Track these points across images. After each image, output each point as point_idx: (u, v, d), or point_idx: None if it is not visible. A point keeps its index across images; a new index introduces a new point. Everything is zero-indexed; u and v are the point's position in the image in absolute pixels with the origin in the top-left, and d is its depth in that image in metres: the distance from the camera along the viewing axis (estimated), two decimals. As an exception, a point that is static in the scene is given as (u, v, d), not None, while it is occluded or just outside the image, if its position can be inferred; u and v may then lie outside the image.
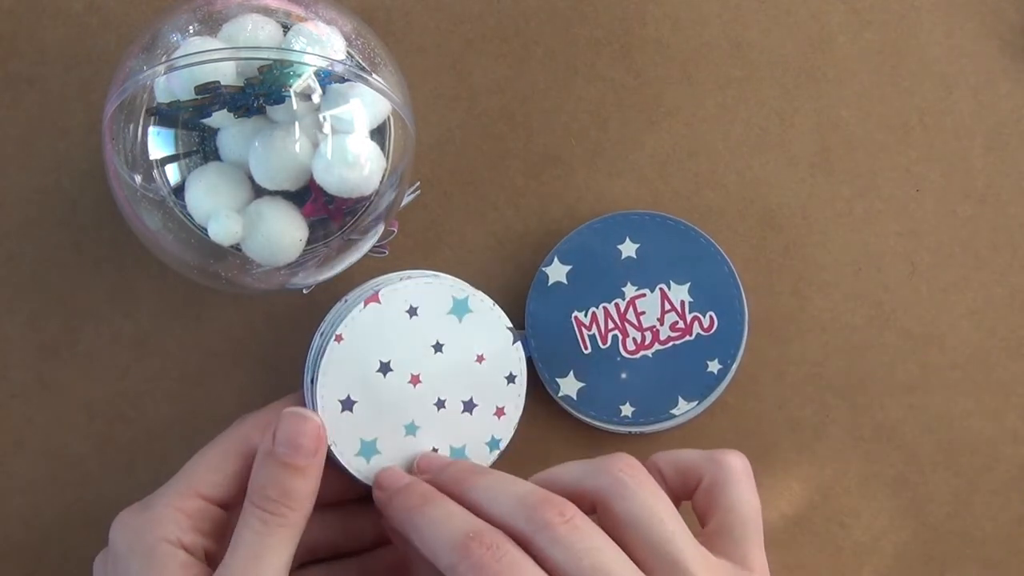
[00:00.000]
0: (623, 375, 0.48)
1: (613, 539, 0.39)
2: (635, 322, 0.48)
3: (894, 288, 0.50)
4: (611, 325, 0.48)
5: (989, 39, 0.50)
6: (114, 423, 0.49)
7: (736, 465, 0.42)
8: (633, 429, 0.48)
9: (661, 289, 0.48)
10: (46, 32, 0.48)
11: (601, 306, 0.48)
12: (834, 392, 0.50)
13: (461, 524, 0.39)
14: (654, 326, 0.48)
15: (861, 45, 0.50)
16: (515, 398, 0.47)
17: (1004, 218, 0.50)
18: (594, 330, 0.48)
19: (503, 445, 0.47)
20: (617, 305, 0.48)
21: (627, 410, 0.48)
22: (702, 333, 0.48)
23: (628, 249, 0.48)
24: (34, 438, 0.49)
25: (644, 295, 0.48)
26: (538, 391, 0.48)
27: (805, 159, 0.50)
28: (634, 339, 0.48)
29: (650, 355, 0.48)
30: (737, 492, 0.42)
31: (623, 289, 0.48)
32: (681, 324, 0.48)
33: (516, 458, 0.48)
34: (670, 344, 0.48)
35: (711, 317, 0.48)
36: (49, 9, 0.48)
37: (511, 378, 0.46)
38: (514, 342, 0.46)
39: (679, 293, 0.48)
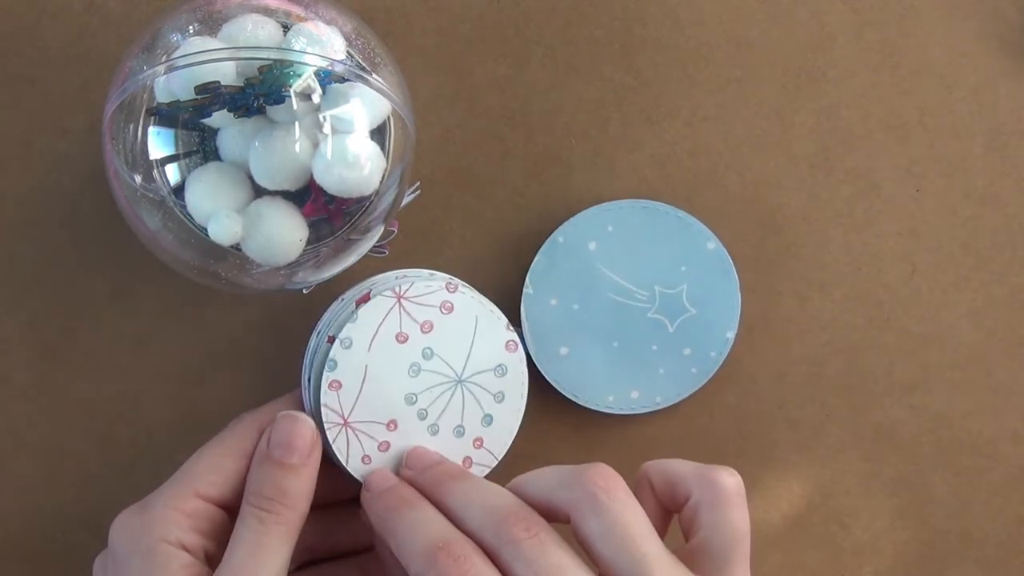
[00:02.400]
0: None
1: (587, 553, 0.38)
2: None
3: (894, 288, 0.50)
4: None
5: (989, 39, 0.50)
6: (114, 423, 0.49)
7: (728, 485, 0.40)
8: (624, 411, 0.49)
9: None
10: (46, 32, 0.48)
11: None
12: (834, 392, 0.50)
13: (433, 532, 0.39)
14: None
15: (861, 45, 0.50)
16: (515, 392, 0.47)
17: (1004, 218, 0.50)
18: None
19: (512, 437, 0.47)
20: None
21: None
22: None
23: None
24: (34, 438, 0.49)
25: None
26: (536, 383, 0.48)
27: (805, 159, 0.50)
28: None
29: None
30: (724, 514, 0.40)
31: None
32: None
33: (517, 450, 0.48)
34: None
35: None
36: (49, 9, 0.48)
37: (508, 373, 0.47)
38: (512, 340, 0.46)
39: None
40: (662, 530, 0.42)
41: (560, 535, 0.38)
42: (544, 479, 0.41)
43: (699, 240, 0.48)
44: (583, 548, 0.39)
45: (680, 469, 0.42)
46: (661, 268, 0.48)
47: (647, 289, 0.48)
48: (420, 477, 0.43)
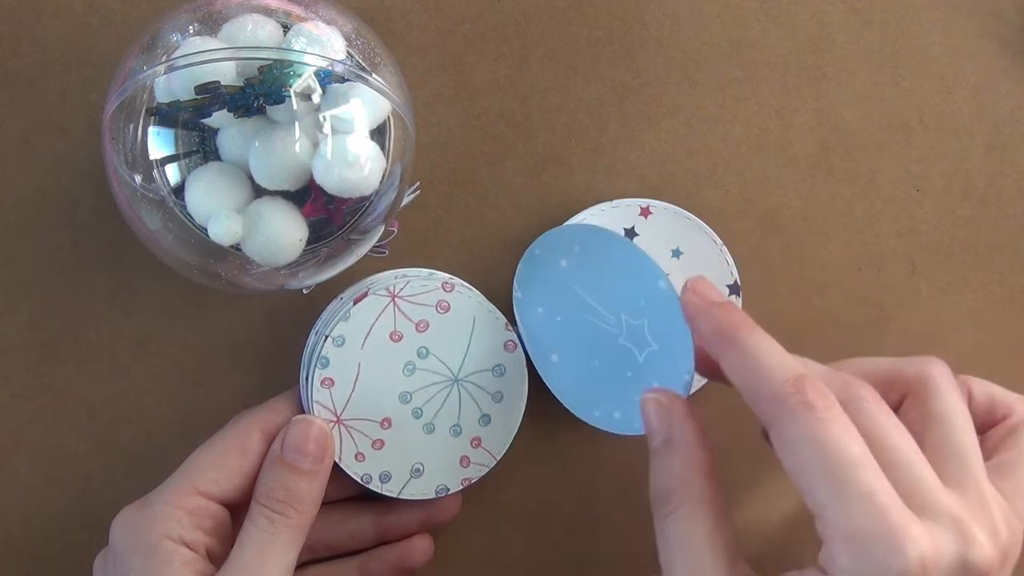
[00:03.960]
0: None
1: (914, 430, 0.40)
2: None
3: (894, 288, 0.50)
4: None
5: (989, 39, 0.50)
6: (114, 423, 0.49)
7: None
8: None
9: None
10: (46, 32, 0.48)
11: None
12: (834, 392, 0.50)
13: (794, 363, 0.39)
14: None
15: (861, 45, 0.50)
16: (514, 392, 0.47)
17: (1004, 218, 0.50)
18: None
19: (511, 437, 0.47)
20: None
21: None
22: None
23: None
24: (34, 438, 0.49)
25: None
26: (536, 383, 0.48)
27: (805, 159, 0.50)
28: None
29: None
30: None
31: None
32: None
33: (517, 450, 0.48)
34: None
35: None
36: (49, 9, 0.48)
37: (507, 373, 0.47)
38: (511, 341, 0.46)
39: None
40: None
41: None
42: (882, 361, 0.43)
43: (650, 278, 0.45)
44: (911, 426, 0.40)
45: (1002, 392, 0.45)
46: (625, 296, 0.46)
47: (615, 315, 0.46)
48: (719, 312, 0.41)
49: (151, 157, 0.42)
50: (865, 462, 0.37)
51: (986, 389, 0.44)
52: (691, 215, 0.48)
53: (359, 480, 0.46)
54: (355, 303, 0.45)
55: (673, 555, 0.39)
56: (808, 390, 0.38)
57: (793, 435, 0.37)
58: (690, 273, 0.48)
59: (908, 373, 0.42)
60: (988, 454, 0.42)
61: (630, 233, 0.48)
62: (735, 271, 0.48)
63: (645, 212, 0.48)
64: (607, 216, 0.48)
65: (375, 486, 0.46)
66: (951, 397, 0.41)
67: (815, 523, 0.37)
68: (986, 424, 0.44)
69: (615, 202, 0.48)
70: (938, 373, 0.42)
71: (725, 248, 0.48)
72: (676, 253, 0.48)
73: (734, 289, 0.48)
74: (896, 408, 0.41)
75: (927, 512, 0.37)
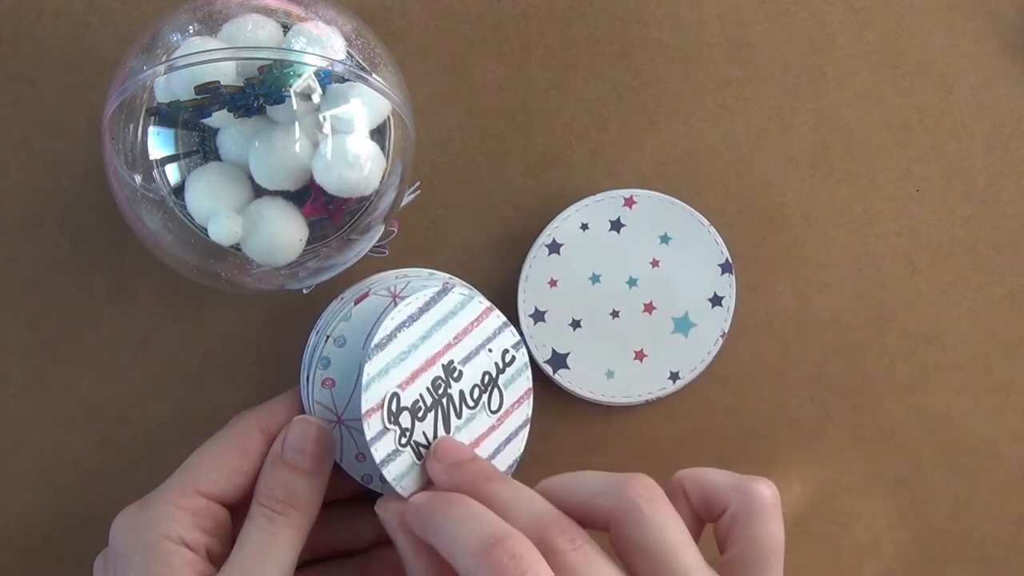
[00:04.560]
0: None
1: (625, 563, 0.38)
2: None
3: (894, 288, 0.50)
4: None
5: (989, 39, 0.50)
6: (114, 423, 0.49)
7: (765, 496, 0.40)
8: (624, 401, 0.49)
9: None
10: (46, 32, 0.48)
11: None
12: (834, 392, 0.50)
13: (486, 528, 0.38)
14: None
15: (861, 45, 0.50)
16: (518, 391, 0.47)
17: (1004, 218, 0.50)
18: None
19: (518, 438, 0.47)
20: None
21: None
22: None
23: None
24: (34, 438, 0.49)
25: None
26: (537, 383, 0.48)
27: (805, 159, 0.50)
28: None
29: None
30: (761, 525, 0.40)
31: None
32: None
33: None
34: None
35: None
36: (49, 9, 0.48)
37: (508, 373, 0.47)
38: (512, 338, 0.46)
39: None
40: (695, 539, 0.42)
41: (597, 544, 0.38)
42: (581, 486, 0.40)
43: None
44: (621, 558, 0.38)
45: (716, 479, 0.42)
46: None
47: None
48: (455, 474, 0.42)
49: (151, 157, 0.42)
50: None
51: (699, 483, 0.42)
52: (675, 200, 0.48)
53: (360, 480, 0.46)
54: (356, 303, 0.45)
55: None
56: (496, 557, 0.36)
57: None
58: (681, 257, 0.48)
59: (603, 506, 0.39)
60: (721, 549, 0.41)
61: (616, 224, 0.48)
62: (725, 250, 0.48)
63: (629, 202, 0.48)
64: (591, 210, 0.48)
65: (376, 486, 0.46)
66: (653, 521, 0.38)
67: None
68: (711, 517, 0.42)
69: (598, 196, 0.49)
70: (635, 495, 0.39)
71: (713, 228, 0.48)
72: (665, 239, 0.48)
73: (726, 268, 0.48)
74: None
75: None
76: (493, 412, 0.46)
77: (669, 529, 0.38)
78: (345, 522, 0.47)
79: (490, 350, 0.46)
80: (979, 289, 0.50)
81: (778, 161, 0.50)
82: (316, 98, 0.41)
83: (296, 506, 0.42)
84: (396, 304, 0.44)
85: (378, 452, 0.43)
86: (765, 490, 0.41)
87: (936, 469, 0.51)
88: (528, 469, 0.50)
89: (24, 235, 0.49)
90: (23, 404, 0.49)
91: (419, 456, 0.44)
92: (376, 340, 0.43)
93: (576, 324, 0.48)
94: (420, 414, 0.44)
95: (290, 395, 0.46)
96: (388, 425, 0.43)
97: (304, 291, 0.46)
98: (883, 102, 0.50)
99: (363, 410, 0.42)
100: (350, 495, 0.48)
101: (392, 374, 0.43)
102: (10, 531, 0.49)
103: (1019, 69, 0.50)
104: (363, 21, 0.44)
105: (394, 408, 0.43)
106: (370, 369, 0.43)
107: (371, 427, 0.42)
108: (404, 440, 0.44)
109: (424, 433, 0.44)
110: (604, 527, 0.39)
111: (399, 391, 0.43)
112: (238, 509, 0.43)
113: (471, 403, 0.45)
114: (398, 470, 0.43)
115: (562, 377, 0.48)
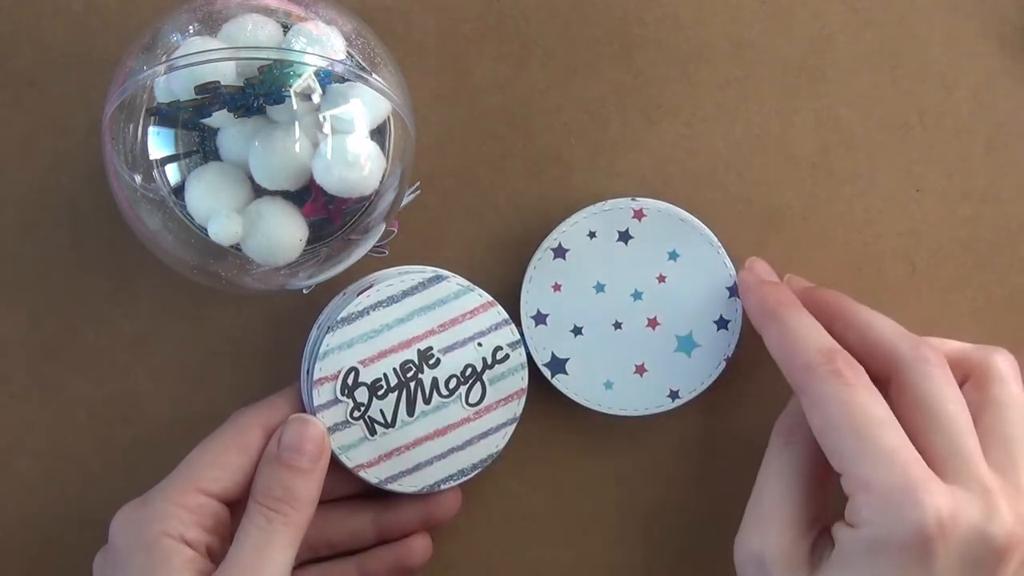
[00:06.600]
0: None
1: (899, 412, 0.40)
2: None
3: (894, 288, 0.50)
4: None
5: (989, 39, 0.50)
6: (114, 423, 0.49)
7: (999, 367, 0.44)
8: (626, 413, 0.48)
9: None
10: (46, 32, 0.48)
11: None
12: (834, 392, 0.50)
13: (826, 338, 0.42)
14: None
15: (861, 45, 0.50)
16: (513, 390, 0.47)
17: (1004, 218, 0.50)
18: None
19: (499, 435, 0.47)
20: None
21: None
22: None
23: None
24: (34, 438, 0.49)
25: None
26: (537, 382, 0.48)
27: (805, 159, 0.50)
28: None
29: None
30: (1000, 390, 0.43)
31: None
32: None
33: (517, 450, 0.48)
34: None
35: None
36: (49, 9, 0.48)
37: (508, 372, 0.47)
38: (510, 336, 0.47)
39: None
40: None
41: None
42: (879, 328, 0.44)
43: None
44: (897, 406, 0.41)
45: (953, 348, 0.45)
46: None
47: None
48: (763, 287, 0.46)
49: (151, 157, 0.42)
50: (888, 423, 0.39)
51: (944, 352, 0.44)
52: (686, 215, 0.48)
53: (366, 479, 0.46)
54: (358, 297, 0.45)
55: (770, 478, 0.43)
56: (838, 360, 0.41)
57: (821, 397, 0.40)
58: (689, 275, 0.48)
59: (974, 357, 0.44)
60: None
61: (625, 236, 0.48)
62: (733, 273, 0.48)
63: (639, 215, 0.48)
64: (599, 219, 0.48)
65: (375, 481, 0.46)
66: (1012, 388, 0.42)
67: (841, 480, 0.40)
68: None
69: (607, 203, 0.48)
70: (1003, 362, 0.43)
71: (723, 250, 0.48)
72: (673, 255, 0.48)
73: (734, 292, 0.48)
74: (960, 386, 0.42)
75: (959, 479, 0.38)
76: (470, 405, 0.46)
77: (1020, 404, 0.42)
78: (345, 520, 0.47)
79: (480, 344, 0.46)
80: (979, 289, 0.50)
81: (778, 161, 0.50)
82: (316, 98, 0.41)
83: (293, 504, 0.42)
84: (375, 285, 0.44)
85: (324, 420, 0.44)
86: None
87: (936, 469, 0.51)
88: (529, 468, 0.50)
89: (24, 235, 0.49)
90: (23, 404, 0.49)
91: (372, 432, 0.45)
92: (343, 314, 0.44)
93: (578, 331, 0.48)
94: (380, 392, 0.45)
95: (290, 391, 0.46)
96: (340, 397, 0.45)
97: (304, 291, 0.46)
98: (883, 102, 0.50)
99: (314, 378, 0.44)
100: (349, 494, 0.48)
101: (357, 348, 0.45)
102: (10, 531, 0.49)
103: (1019, 69, 0.50)
104: (363, 21, 0.44)
105: (350, 382, 0.44)
106: (331, 340, 0.44)
107: (320, 395, 0.44)
108: (357, 414, 0.45)
109: (382, 411, 0.45)
110: (960, 381, 0.43)
111: (359, 366, 0.45)
112: (238, 506, 0.43)
113: (444, 392, 0.46)
114: (345, 440, 0.45)
115: (560, 382, 0.48)
